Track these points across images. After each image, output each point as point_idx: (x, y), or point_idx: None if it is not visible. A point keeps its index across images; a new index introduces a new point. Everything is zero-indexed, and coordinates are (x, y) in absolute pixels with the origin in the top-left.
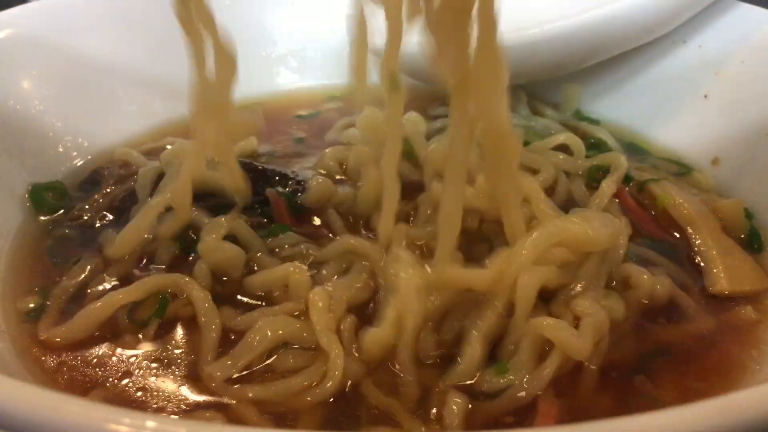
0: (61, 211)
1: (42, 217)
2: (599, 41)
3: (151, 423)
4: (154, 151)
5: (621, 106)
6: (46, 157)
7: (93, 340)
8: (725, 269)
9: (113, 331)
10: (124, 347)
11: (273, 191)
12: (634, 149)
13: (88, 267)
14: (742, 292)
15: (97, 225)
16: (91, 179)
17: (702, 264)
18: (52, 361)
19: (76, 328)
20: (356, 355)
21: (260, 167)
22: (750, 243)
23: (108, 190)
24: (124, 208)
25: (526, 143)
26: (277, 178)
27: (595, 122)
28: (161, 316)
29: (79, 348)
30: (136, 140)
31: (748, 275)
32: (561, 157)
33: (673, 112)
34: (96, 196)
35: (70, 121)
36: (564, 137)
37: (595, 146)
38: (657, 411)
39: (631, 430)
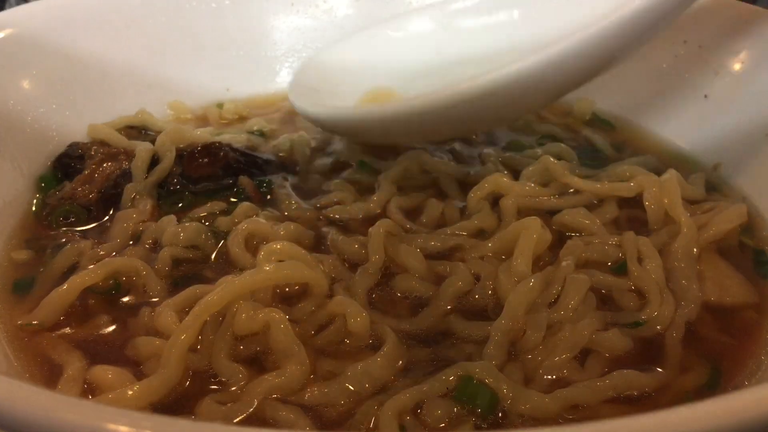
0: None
1: (38, 195)
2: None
3: (150, 423)
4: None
5: (621, 107)
6: (46, 156)
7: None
8: (711, 282)
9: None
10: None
11: (244, 178)
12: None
13: (74, 252)
14: (728, 304)
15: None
16: (69, 154)
17: None
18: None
19: (46, 311)
20: None
21: (231, 155)
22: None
23: (102, 168)
24: (119, 185)
25: (521, 148)
26: (242, 159)
27: (609, 125)
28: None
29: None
30: None
31: (733, 288)
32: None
33: (673, 112)
34: (87, 173)
35: (70, 121)
36: (556, 147)
37: (596, 153)
38: (657, 411)
39: (631, 430)
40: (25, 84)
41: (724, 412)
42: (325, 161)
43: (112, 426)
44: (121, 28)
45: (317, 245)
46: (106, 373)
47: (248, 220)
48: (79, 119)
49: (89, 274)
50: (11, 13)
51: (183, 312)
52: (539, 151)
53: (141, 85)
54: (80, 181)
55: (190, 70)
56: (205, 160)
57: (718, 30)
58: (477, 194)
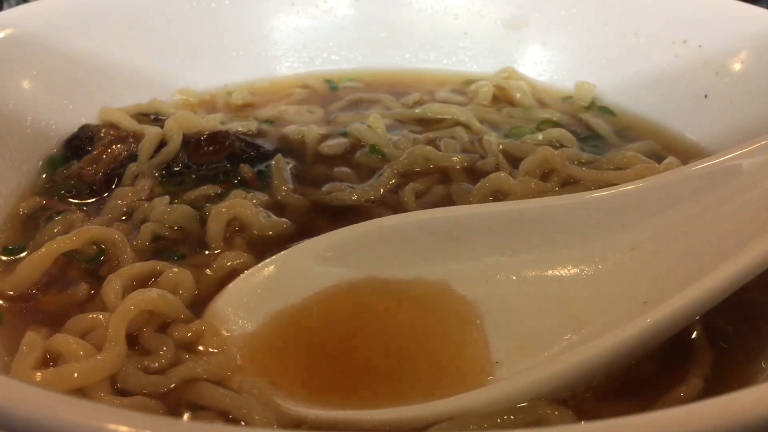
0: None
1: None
2: None
3: (151, 423)
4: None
5: (621, 106)
6: (46, 156)
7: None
8: None
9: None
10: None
11: (245, 166)
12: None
13: (65, 223)
14: None
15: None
16: (79, 136)
17: None
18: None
19: (21, 276)
20: None
21: (237, 144)
22: None
23: (110, 149)
24: (126, 167)
25: (522, 134)
26: (247, 149)
27: (610, 113)
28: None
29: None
30: None
31: None
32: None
33: (673, 111)
34: (95, 153)
35: (71, 121)
36: (556, 132)
37: (597, 138)
38: (657, 411)
39: (631, 430)
40: (25, 84)
41: (725, 412)
42: (333, 146)
43: (112, 426)
44: (121, 28)
45: (299, 233)
46: (68, 340)
47: (231, 202)
48: (79, 119)
49: (65, 240)
50: (11, 13)
51: (131, 286)
52: (540, 136)
53: (140, 85)
54: (88, 161)
55: (190, 70)
56: (211, 148)
57: (718, 30)
58: (480, 191)
